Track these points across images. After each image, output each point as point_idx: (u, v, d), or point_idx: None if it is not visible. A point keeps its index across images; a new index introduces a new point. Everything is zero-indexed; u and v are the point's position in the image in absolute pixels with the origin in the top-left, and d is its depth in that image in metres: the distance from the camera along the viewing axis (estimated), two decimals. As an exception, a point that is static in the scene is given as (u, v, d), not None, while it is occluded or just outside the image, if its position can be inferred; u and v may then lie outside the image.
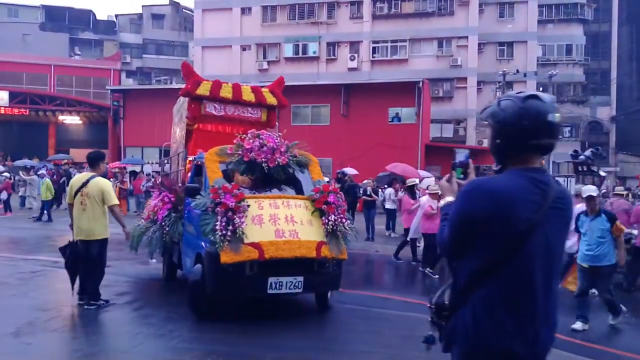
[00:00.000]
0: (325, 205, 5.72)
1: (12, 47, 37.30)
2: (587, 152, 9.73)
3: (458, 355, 1.96)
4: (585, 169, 9.69)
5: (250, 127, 7.88)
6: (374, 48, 32.98)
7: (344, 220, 5.78)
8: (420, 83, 24.52)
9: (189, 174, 6.91)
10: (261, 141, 5.99)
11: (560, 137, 36.13)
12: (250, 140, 5.99)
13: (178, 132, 8.13)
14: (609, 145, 41.10)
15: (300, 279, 5.44)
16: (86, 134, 33.28)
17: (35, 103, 30.72)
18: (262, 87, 7.68)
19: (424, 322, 6.30)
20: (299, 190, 6.20)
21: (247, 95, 7.28)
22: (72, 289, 6.07)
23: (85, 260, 5.93)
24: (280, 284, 5.35)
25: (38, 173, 16.86)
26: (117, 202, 6.06)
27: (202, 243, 5.62)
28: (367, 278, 10.02)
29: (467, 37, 32.12)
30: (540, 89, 34.11)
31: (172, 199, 6.93)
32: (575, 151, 10.01)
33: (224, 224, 5.21)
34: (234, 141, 6.13)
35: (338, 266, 5.81)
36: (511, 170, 1.96)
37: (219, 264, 5.15)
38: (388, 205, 14.51)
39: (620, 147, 41.10)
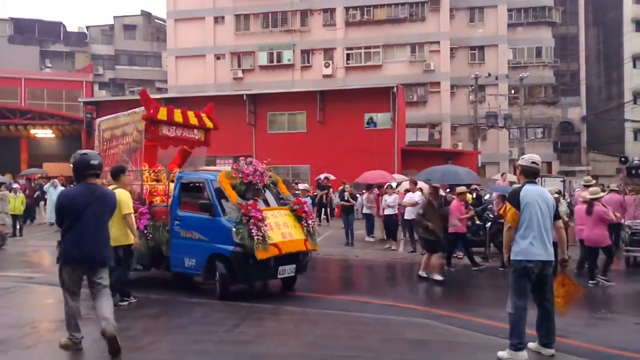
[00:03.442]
0: (304, 214, 7.89)
1: (-20, 61, 36.48)
2: (637, 159, 10.29)
3: (62, 264, 4.78)
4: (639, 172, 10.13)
5: (191, 145, 9.61)
6: (347, 55, 33.26)
7: (314, 223, 8.09)
8: (395, 88, 24.73)
9: (174, 190, 8.07)
10: (254, 167, 7.78)
11: (534, 138, 37.07)
12: (247, 166, 7.74)
13: (121, 147, 9.01)
14: (581, 145, 42.05)
15: (293, 266, 7.66)
16: (59, 147, 32.54)
17: (6, 117, 29.97)
18: (201, 112, 9.21)
19: (402, 324, 6.34)
20: (267, 203, 8.06)
21: (192, 120, 8.87)
22: None
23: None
24: (284, 270, 7.54)
25: (11, 188, 16.54)
26: (130, 211, 6.56)
27: (221, 246, 7.27)
28: (347, 283, 10.06)
29: (439, 42, 32.62)
30: (512, 91, 34.84)
31: (148, 210, 8.07)
32: (625, 157, 10.61)
33: (256, 231, 6.99)
34: (232, 167, 7.85)
35: (309, 256, 8.12)
36: (79, 184, 4.81)
37: (254, 259, 7.00)
38: (365, 210, 14.50)
39: (591, 146, 42.10)
